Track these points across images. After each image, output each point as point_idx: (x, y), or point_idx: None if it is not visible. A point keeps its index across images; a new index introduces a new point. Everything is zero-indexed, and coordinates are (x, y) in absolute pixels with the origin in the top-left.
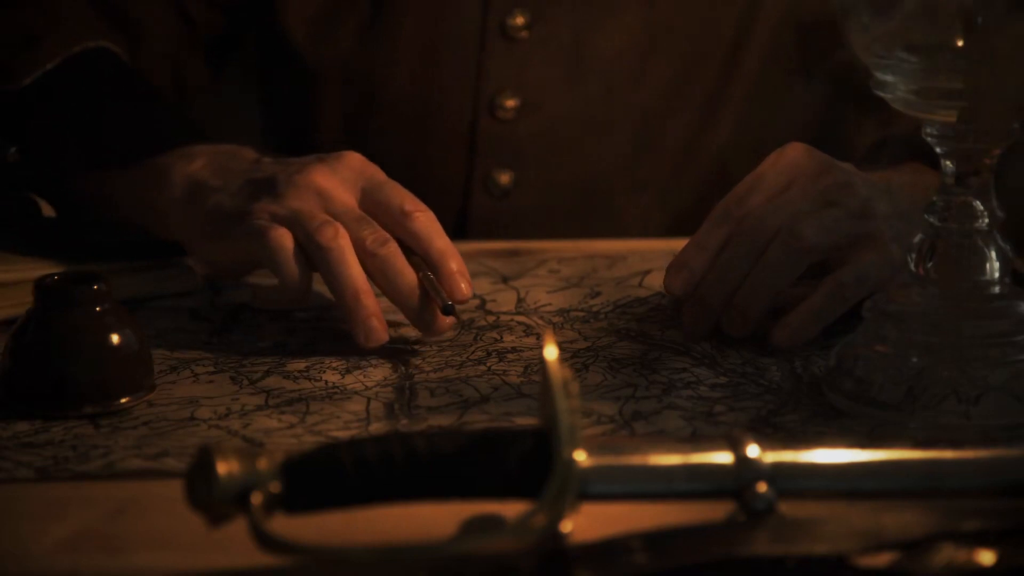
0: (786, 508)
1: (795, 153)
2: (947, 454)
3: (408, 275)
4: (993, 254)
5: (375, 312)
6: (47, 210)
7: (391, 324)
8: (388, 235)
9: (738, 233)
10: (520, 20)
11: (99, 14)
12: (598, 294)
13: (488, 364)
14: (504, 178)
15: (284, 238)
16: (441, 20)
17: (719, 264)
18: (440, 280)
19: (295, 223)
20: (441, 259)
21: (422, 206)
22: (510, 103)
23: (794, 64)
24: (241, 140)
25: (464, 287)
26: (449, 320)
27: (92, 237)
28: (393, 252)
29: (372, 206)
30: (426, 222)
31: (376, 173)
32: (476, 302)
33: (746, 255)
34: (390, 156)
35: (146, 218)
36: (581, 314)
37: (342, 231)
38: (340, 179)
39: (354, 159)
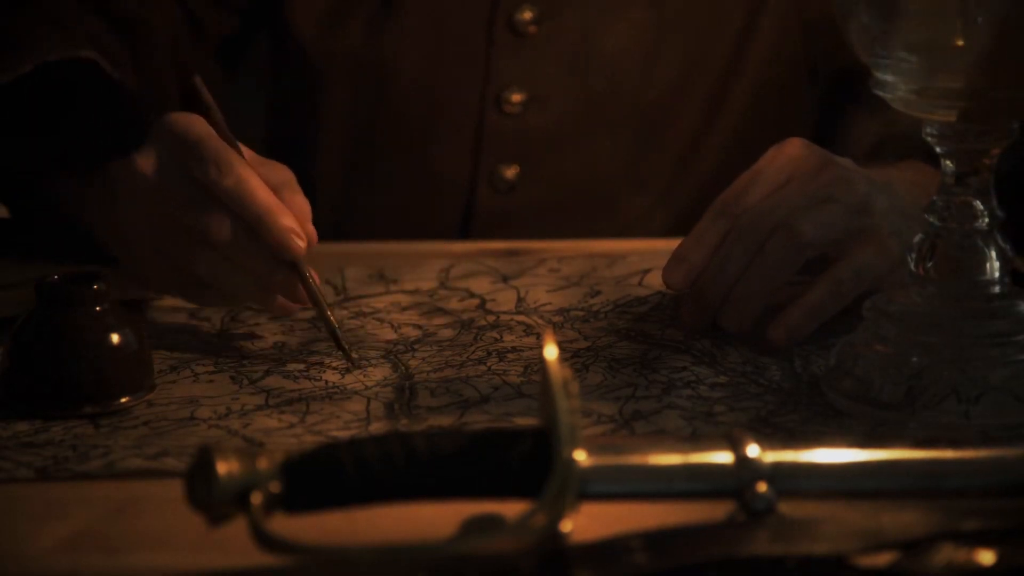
0: (786, 508)
1: (794, 148)
2: (947, 454)
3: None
4: (993, 254)
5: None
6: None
7: (392, 325)
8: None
9: (737, 228)
10: (528, 15)
11: (100, 16)
12: (598, 293)
13: (488, 364)
14: (509, 173)
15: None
16: (449, 15)
17: (717, 258)
18: (269, 238)
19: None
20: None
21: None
22: (517, 98)
23: (798, 63)
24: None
25: (298, 241)
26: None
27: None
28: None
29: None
30: (233, 184)
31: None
32: (476, 302)
33: (744, 250)
34: (397, 150)
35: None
36: (581, 313)
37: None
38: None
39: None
